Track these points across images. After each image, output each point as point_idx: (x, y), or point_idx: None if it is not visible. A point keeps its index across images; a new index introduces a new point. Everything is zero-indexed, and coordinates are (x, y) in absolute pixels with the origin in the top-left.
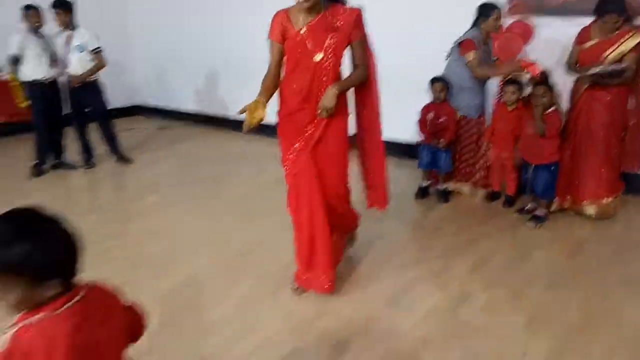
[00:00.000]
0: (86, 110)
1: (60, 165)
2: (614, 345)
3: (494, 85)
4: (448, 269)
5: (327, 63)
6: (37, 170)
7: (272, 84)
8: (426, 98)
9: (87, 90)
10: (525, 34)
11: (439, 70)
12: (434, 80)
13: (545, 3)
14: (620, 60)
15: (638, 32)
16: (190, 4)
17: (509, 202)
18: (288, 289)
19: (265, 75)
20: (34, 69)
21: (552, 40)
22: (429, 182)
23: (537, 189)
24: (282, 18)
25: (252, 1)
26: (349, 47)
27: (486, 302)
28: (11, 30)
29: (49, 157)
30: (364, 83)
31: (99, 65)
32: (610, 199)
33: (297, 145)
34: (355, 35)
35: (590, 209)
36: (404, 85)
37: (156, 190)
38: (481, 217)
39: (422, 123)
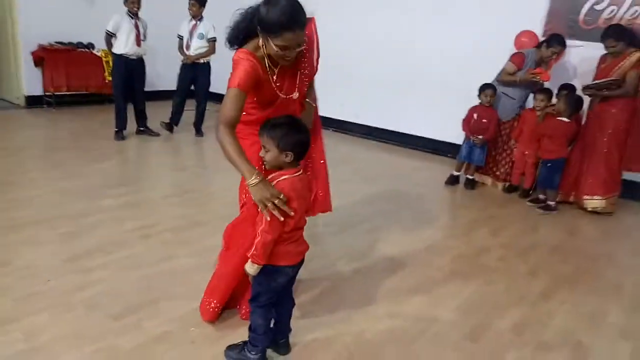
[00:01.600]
0: (191, 87)
1: (143, 131)
2: (592, 291)
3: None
4: (472, 232)
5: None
6: (119, 136)
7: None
8: (459, 102)
9: (198, 70)
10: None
11: (469, 78)
12: (486, 87)
13: (577, 28)
14: (623, 77)
15: (636, 52)
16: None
17: (525, 194)
18: None
19: (233, 138)
20: (122, 45)
21: (583, 60)
22: (459, 172)
23: (539, 178)
24: (255, 64)
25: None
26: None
27: (500, 255)
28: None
29: (139, 124)
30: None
31: (210, 52)
32: (605, 197)
33: None
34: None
35: (589, 204)
36: (444, 90)
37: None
38: (501, 202)
39: (467, 122)
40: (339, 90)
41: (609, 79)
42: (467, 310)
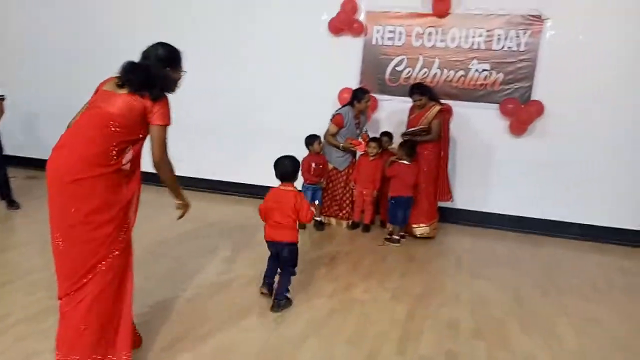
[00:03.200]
0: None
1: None
2: (442, 303)
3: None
4: (334, 269)
5: None
6: None
7: None
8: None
9: None
10: (372, 105)
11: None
12: (314, 138)
13: (385, 85)
14: (429, 125)
15: (436, 105)
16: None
17: (366, 229)
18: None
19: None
20: None
21: (393, 112)
22: None
23: (388, 213)
24: None
25: None
26: None
27: (364, 287)
28: None
29: None
30: None
31: (1, 113)
32: (429, 224)
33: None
34: None
35: (417, 231)
36: (283, 140)
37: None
38: (350, 239)
39: (307, 171)
40: (177, 145)
41: (421, 127)
42: (357, 342)
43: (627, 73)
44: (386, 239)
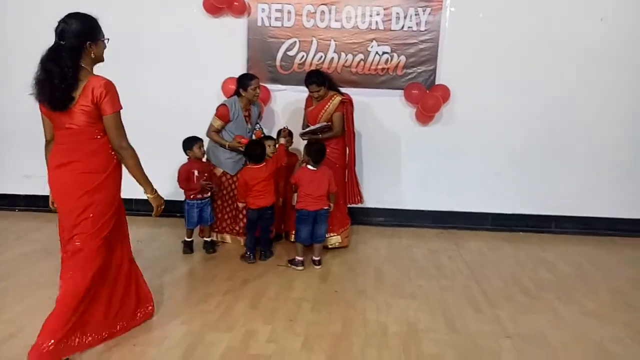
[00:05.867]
0: None
1: None
2: (367, 342)
3: None
4: (230, 310)
5: None
6: None
7: None
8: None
9: None
10: (264, 97)
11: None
12: (195, 140)
13: (277, 73)
14: (330, 118)
15: (336, 96)
16: None
17: None
18: None
19: None
20: None
21: (289, 104)
22: (191, 238)
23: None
24: None
25: None
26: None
27: (269, 334)
28: None
29: None
30: None
31: None
32: (340, 232)
33: None
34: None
35: (328, 242)
36: (164, 144)
37: None
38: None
39: (188, 180)
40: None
41: (322, 124)
42: None
43: (531, 50)
44: (289, 261)
